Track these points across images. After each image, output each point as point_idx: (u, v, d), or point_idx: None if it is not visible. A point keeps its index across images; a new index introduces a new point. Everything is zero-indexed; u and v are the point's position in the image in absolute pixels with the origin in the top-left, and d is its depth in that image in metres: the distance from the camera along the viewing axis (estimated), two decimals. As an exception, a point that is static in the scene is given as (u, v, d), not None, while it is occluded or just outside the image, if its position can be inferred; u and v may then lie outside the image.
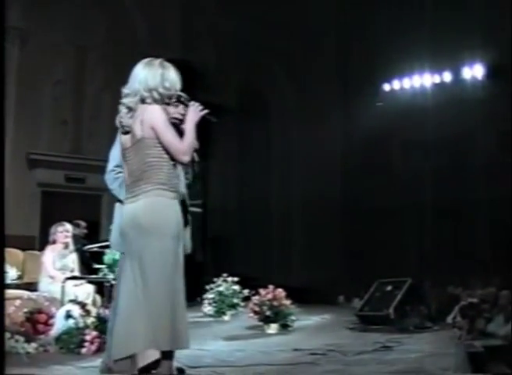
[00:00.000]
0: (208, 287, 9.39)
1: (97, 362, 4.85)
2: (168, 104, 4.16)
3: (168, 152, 3.97)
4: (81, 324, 5.97)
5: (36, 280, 7.66)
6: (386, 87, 14.53)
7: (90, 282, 7.63)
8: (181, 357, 5.57)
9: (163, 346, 3.84)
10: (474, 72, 13.23)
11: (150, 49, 14.48)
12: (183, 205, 4.87)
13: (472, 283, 9.81)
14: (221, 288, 9.26)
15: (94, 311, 6.22)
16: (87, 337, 5.82)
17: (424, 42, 13.12)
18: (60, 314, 6.13)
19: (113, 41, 13.89)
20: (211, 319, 9.24)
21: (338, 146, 14.57)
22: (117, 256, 6.11)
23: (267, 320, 7.69)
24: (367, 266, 12.47)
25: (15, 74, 13.08)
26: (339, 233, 14.23)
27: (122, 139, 4.12)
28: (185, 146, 4.01)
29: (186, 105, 4.26)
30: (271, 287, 7.81)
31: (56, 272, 7.52)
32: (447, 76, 13.62)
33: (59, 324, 6.03)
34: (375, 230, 13.35)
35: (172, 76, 4.13)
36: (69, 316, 6.06)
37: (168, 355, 4.12)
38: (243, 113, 15.39)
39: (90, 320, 6.00)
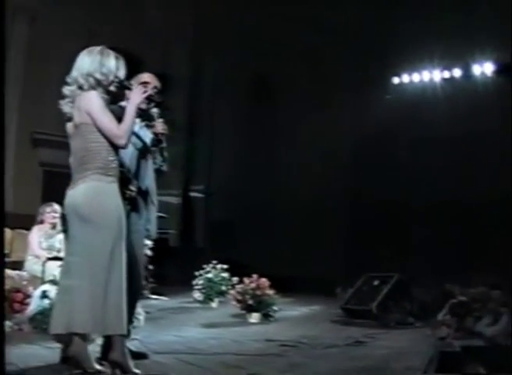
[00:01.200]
0: (197, 273, 9.41)
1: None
2: (108, 90, 4.19)
3: (105, 137, 4.02)
4: (56, 305, 6.00)
5: (23, 259, 7.73)
6: (395, 80, 14.42)
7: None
8: (152, 342, 5.65)
9: (88, 330, 4.00)
10: (484, 69, 13.07)
11: (161, 34, 14.62)
12: (143, 191, 4.90)
13: (467, 281, 9.72)
14: (209, 275, 9.29)
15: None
16: (61, 318, 5.84)
17: (435, 37, 12.95)
18: (36, 294, 6.17)
19: (124, 27, 13.87)
20: (198, 305, 9.28)
21: (346, 136, 14.44)
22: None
23: (249, 309, 7.68)
24: (369, 259, 12.37)
25: (23, 52, 13.17)
26: (342, 224, 14.14)
27: (67, 127, 4.20)
28: (121, 130, 4.09)
29: (131, 90, 4.31)
30: (255, 276, 7.80)
31: (42, 251, 7.60)
32: (457, 72, 13.47)
33: (34, 304, 6.07)
34: (379, 223, 13.24)
35: (110, 63, 4.19)
36: (44, 296, 6.09)
37: (118, 341, 4.16)
38: (251, 98, 15.35)
39: (66, 301, 6.03)
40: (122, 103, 4.51)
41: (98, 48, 4.22)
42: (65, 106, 4.16)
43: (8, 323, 5.88)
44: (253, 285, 7.70)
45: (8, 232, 8.33)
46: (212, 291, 9.27)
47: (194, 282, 9.43)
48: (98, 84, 4.11)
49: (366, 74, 14.03)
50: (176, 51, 15.47)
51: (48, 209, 7.88)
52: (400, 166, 13.30)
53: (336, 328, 7.43)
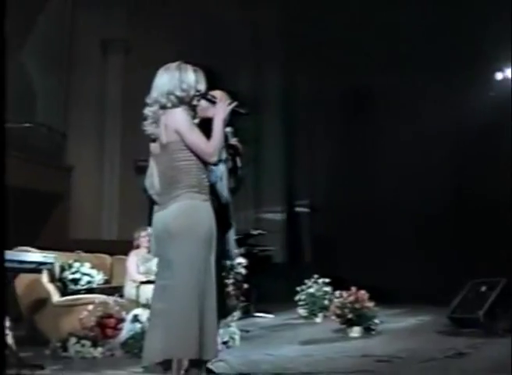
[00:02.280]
0: (299, 288, 9.27)
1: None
2: (192, 105, 4.09)
3: (195, 154, 3.92)
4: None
5: (122, 284, 7.86)
6: (499, 75, 13.80)
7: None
8: (240, 362, 5.52)
9: (188, 354, 3.77)
10: None
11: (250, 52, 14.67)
12: (225, 210, 4.80)
13: None
14: (311, 290, 9.13)
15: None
16: (152, 342, 5.84)
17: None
18: (128, 318, 6.21)
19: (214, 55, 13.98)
20: (303, 321, 9.14)
21: (448, 138, 13.93)
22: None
23: (349, 323, 7.42)
24: (474, 264, 11.76)
25: (120, 83, 13.58)
26: (451, 231, 13.57)
27: (151, 148, 4.11)
28: (211, 147, 3.94)
29: (214, 103, 4.17)
30: (353, 288, 7.54)
31: (139, 276, 7.66)
32: None
33: (126, 328, 6.11)
34: (482, 227, 12.60)
35: (189, 78, 4.05)
36: (136, 320, 6.12)
37: (196, 364, 4.03)
38: (350, 110, 15.13)
39: (158, 325, 6.03)
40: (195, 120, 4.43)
41: (175, 64, 4.10)
42: (149, 127, 4.05)
43: (99, 349, 5.96)
44: (351, 298, 7.43)
45: (107, 258, 8.50)
46: (315, 306, 9.12)
47: (297, 298, 9.31)
48: (181, 101, 4.03)
49: (468, 72, 13.49)
50: (267, 69, 15.51)
51: (143, 233, 7.94)
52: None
53: (440, 339, 7.03)
